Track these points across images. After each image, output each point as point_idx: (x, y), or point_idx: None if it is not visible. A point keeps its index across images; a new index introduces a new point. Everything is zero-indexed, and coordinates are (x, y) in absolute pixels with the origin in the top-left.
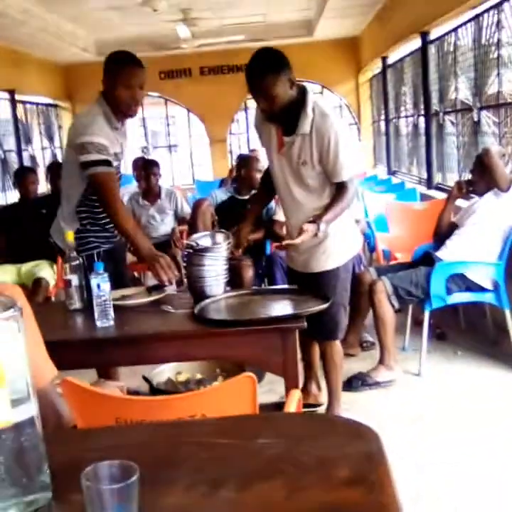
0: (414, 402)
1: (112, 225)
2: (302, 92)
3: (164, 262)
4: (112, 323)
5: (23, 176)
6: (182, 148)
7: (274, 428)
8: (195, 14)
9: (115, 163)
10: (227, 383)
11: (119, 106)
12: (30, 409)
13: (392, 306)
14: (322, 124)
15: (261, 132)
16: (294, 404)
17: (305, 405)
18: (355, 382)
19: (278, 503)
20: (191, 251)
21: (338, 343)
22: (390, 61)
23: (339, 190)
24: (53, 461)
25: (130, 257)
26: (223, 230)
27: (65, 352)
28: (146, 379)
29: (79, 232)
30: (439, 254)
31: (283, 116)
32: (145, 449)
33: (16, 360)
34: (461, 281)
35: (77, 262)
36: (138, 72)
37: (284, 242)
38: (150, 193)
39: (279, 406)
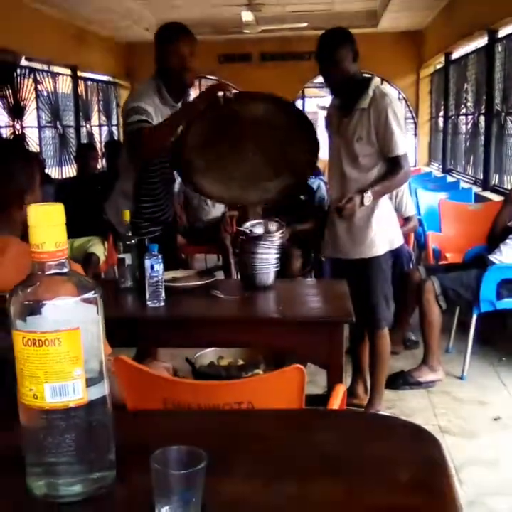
0: (454, 406)
1: (167, 207)
2: (367, 78)
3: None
4: (162, 304)
5: (85, 152)
6: None
7: (334, 425)
8: (260, 0)
9: None
10: (275, 373)
11: (172, 76)
12: (103, 389)
13: (440, 306)
14: (380, 101)
15: (328, 123)
16: (338, 399)
17: (349, 405)
18: (397, 381)
19: (337, 502)
20: (244, 238)
21: (385, 335)
22: (453, 57)
23: (391, 168)
24: (117, 441)
25: (179, 239)
26: (277, 219)
27: (114, 329)
28: (189, 361)
29: (135, 215)
30: (492, 257)
31: (345, 91)
32: (203, 435)
33: (92, 341)
34: None
35: (132, 241)
36: (184, 38)
37: (334, 206)
38: None
39: (321, 398)
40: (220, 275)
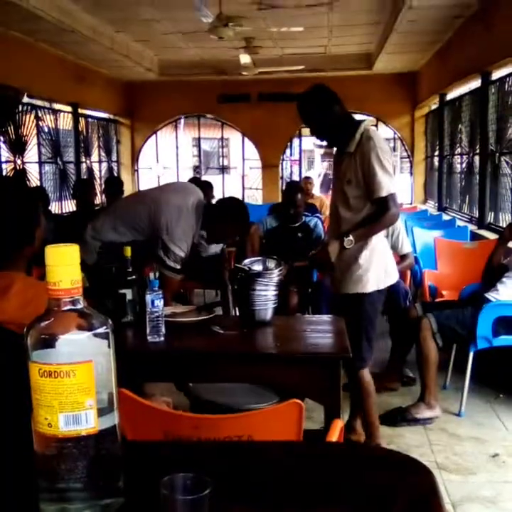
0: (452, 442)
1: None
2: (357, 121)
3: None
4: (162, 338)
5: (83, 188)
6: (234, 171)
7: (333, 456)
8: (257, 43)
9: None
10: (274, 408)
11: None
12: (113, 419)
13: (437, 343)
14: (365, 144)
15: (333, 166)
16: (336, 434)
17: (346, 440)
18: (395, 417)
19: None
20: (243, 274)
21: (364, 373)
22: (447, 98)
23: (377, 210)
24: (125, 469)
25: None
26: (275, 256)
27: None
28: (187, 394)
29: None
30: (489, 295)
31: (331, 138)
32: (208, 464)
33: (104, 373)
34: (508, 324)
35: (133, 276)
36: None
37: (312, 253)
38: None
39: (319, 434)
40: (218, 311)
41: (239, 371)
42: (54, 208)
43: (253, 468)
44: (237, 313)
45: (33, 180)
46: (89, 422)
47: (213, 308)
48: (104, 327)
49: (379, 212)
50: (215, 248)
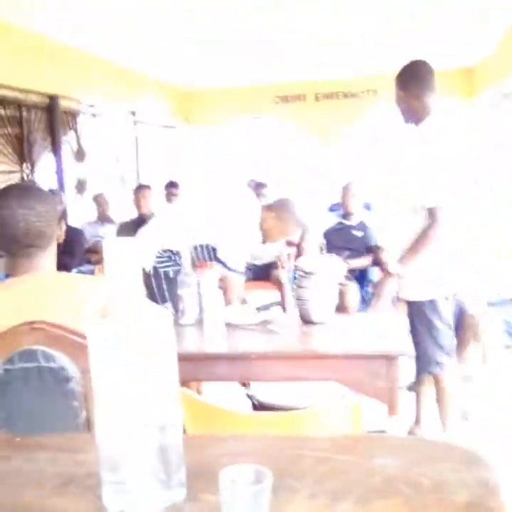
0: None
1: None
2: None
3: None
4: (222, 339)
5: (140, 193)
6: (290, 171)
7: (390, 449)
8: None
9: None
10: (333, 407)
11: None
12: (176, 413)
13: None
14: (412, 144)
15: None
16: (395, 431)
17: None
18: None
19: None
20: (302, 273)
21: (442, 377)
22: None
23: (426, 224)
24: (186, 461)
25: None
26: (334, 255)
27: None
28: (249, 396)
29: None
30: None
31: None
32: (268, 458)
33: (168, 368)
34: None
35: (192, 278)
36: None
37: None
38: None
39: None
40: (276, 310)
41: (298, 371)
42: (115, 214)
43: (312, 461)
44: (296, 313)
45: (96, 188)
46: (152, 415)
47: (272, 308)
48: (165, 321)
49: (425, 228)
50: (273, 249)
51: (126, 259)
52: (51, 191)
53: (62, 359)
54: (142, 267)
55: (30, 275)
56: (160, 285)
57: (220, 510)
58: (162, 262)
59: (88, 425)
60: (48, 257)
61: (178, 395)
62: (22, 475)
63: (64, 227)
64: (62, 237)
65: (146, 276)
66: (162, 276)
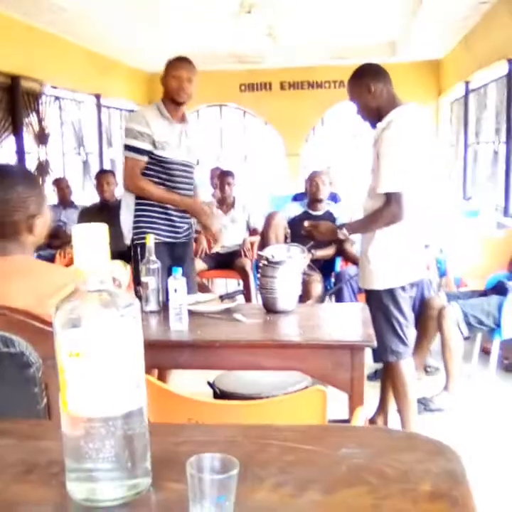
0: (475, 431)
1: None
2: (395, 105)
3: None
4: (186, 327)
5: (103, 178)
6: (256, 160)
7: (356, 439)
8: (280, 31)
9: (159, 151)
10: (298, 394)
11: (169, 94)
12: (140, 400)
13: (461, 333)
14: (385, 132)
15: None
16: (359, 421)
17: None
18: (418, 407)
19: (364, 509)
20: (267, 262)
21: (398, 366)
22: (472, 86)
23: (383, 204)
24: (151, 450)
25: (200, 265)
26: (298, 244)
27: None
28: (210, 384)
29: (135, 223)
30: None
31: (370, 122)
32: (233, 446)
33: (131, 354)
34: None
35: (156, 265)
36: (183, 65)
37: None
38: (224, 202)
39: (342, 423)
40: (240, 300)
41: (262, 359)
42: (77, 198)
43: (277, 451)
44: (260, 302)
45: (57, 172)
46: (117, 403)
47: (235, 296)
48: (131, 307)
49: (380, 207)
50: (237, 238)
51: (96, 246)
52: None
53: (22, 345)
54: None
55: None
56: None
57: (186, 498)
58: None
59: (48, 412)
60: (14, 247)
61: (144, 384)
62: None
63: (47, 217)
64: (44, 228)
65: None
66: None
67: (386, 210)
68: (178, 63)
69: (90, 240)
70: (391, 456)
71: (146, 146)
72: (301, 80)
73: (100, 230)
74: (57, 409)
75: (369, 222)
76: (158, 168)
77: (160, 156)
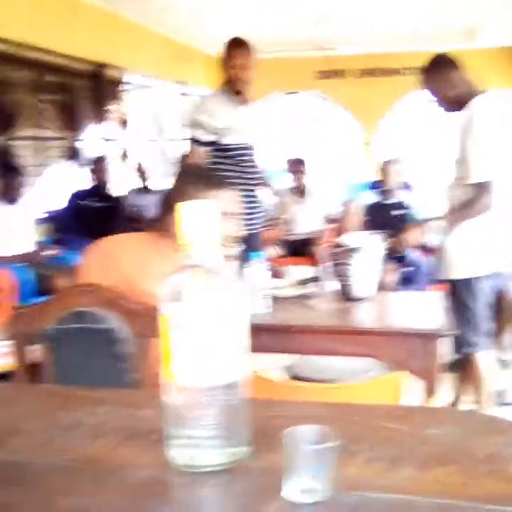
0: None
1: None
2: (472, 95)
3: None
4: (269, 310)
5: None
6: (331, 148)
7: (442, 420)
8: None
9: (223, 139)
10: (374, 380)
11: (228, 84)
12: (242, 371)
13: None
14: (472, 122)
15: None
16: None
17: None
18: (495, 399)
19: (456, 487)
20: (344, 249)
21: (475, 358)
22: None
23: (474, 195)
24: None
25: (274, 252)
26: (376, 232)
27: None
28: (287, 369)
29: None
30: None
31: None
32: (323, 422)
33: (234, 328)
34: None
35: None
36: (236, 53)
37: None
38: (298, 189)
39: None
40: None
41: (337, 345)
42: (156, 184)
43: (367, 429)
44: (336, 289)
45: (137, 159)
46: (220, 373)
47: (311, 283)
48: (235, 284)
49: (474, 198)
50: (311, 225)
51: (202, 222)
52: (97, 159)
53: (112, 321)
54: None
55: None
56: None
57: (281, 468)
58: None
59: (137, 387)
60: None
61: (247, 355)
62: (86, 427)
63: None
64: None
65: None
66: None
67: (478, 200)
68: (232, 51)
69: (196, 216)
70: (477, 438)
71: (208, 136)
72: (376, 66)
73: (207, 207)
74: (145, 384)
75: (466, 214)
76: (224, 156)
77: (225, 144)
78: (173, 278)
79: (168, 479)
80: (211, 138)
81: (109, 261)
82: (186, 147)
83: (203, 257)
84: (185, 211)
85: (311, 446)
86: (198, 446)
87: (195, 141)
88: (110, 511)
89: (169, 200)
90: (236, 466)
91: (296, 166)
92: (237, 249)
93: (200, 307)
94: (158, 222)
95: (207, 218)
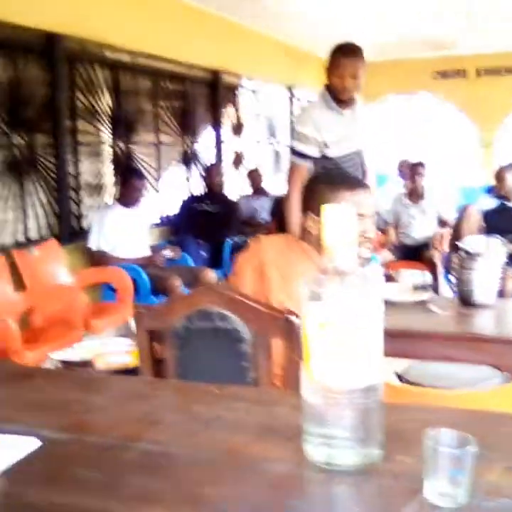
0: None
1: None
2: None
3: None
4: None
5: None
6: (447, 150)
7: None
8: (478, 17)
9: (328, 151)
10: (497, 389)
11: (333, 93)
12: (379, 375)
13: None
14: None
15: None
16: None
17: None
18: None
19: None
20: (465, 254)
21: None
22: None
23: None
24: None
25: (388, 256)
26: (497, 236)
27: None
28: (398, 376)
29: None
30: None
31: None
32: (458, 428)
33: (374, 333)
34: None
35: None
36: (346, 63)
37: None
38: (414, 192)
39: None
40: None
41: (454, 352)
42: (270, 187)
43: (501, 437)
44: (452, 294)
45: (251, 161)
46: (359, 376)
47: (428, 288)
48: (374, 286)
49: None
50: (426, 229)
51: (344, 226)
52: (211, 164)
53: (236, 321)
54: None
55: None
56: None
57: (414, 471)
58: None
59: (255, 386)
60: None
61: (382, 360)
62: (224, 421)
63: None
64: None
65: None
66: None
67: None
68: (341, 59)
69: (339, 220)
70: None
71: (312, 150)
72: (498, 65)
73: (348, 211)
74: (264, 383)
75: None
76: (329, 164)
77: (329, 156)
78: (316, 279)
79: (305, 475)
80: (316, 152)
81: (260, 269)
82: (289, 161)
83: (345, 259)
84: (329, 214)
85: (451, 450)
86: (335, 446)
87: (296, 152)
88: (250, 503)
89: (304, 203)
90: (370, 467)
91: (415, 168)
92: (371, 250)
93: (341, 308)
94: (277, 224)
95: (348, 221)
